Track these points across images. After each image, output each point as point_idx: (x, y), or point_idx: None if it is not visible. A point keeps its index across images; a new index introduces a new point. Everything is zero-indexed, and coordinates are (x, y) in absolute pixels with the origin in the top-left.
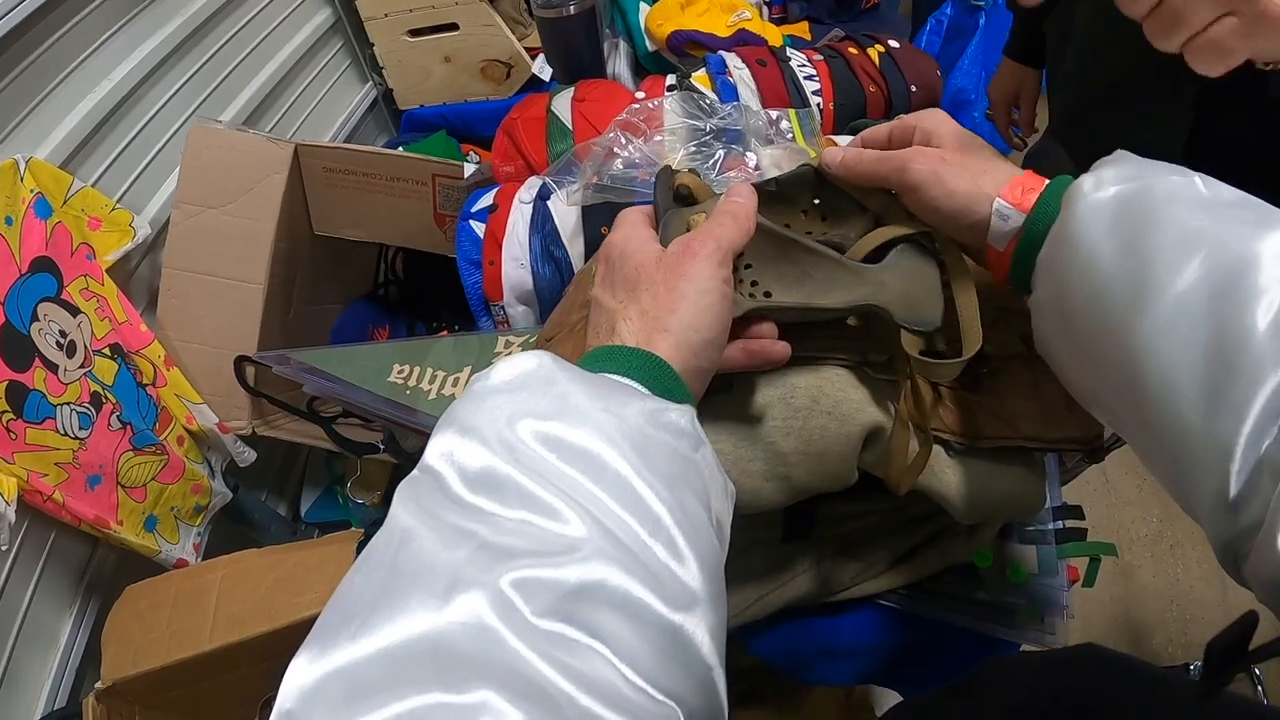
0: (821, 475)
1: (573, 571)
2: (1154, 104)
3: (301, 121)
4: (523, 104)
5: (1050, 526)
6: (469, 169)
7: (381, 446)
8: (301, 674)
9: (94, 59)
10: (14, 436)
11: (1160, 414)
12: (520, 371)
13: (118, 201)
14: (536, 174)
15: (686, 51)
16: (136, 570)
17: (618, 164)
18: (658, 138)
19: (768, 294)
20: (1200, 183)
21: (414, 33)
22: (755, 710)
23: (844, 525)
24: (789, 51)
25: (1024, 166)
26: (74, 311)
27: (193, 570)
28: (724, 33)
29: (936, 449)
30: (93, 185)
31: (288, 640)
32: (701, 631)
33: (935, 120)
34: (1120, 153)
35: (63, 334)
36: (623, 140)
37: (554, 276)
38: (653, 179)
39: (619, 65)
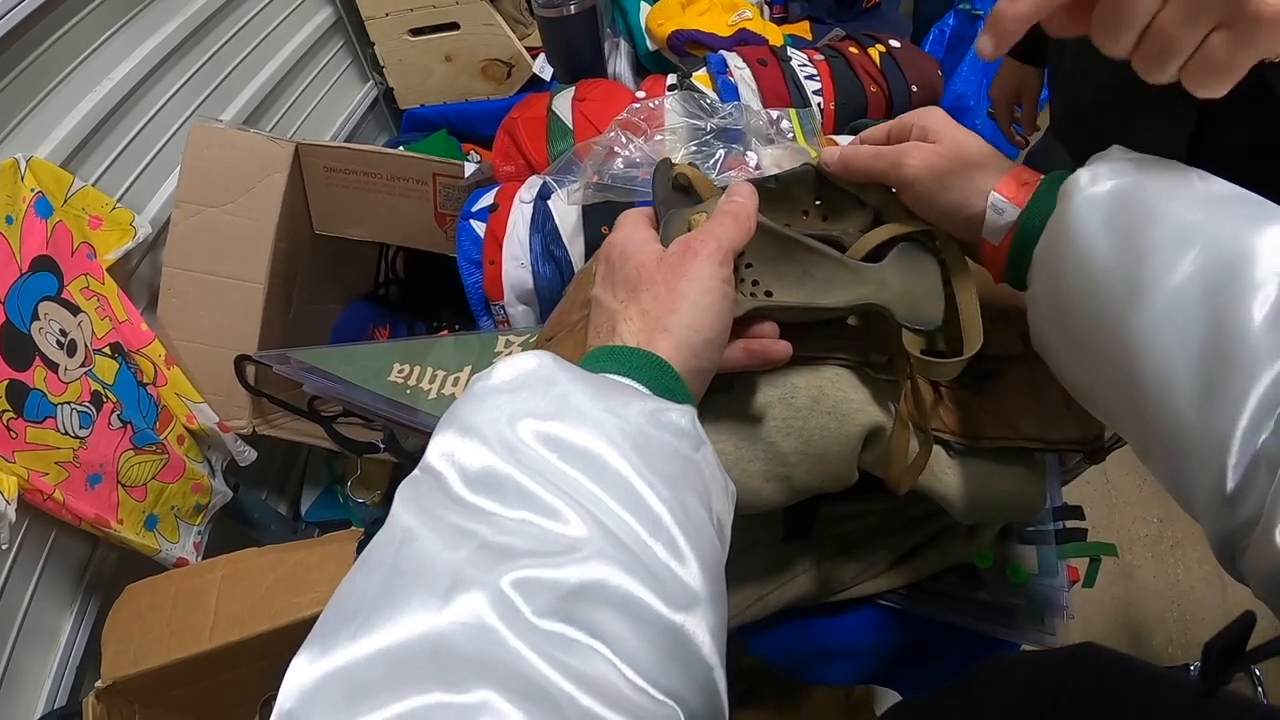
0: (822, 475)
1: (573, 571)
2: (1155, 104)
3: (302, 121)
4: (523, 103)
5: (1050, 527)
6: (469, 168)
7: (382, 446)
8: (302, 673)
9: (94, 58)
10: (14, 435)
11: (1156, 409)
12: (521, 371)
13: (118, 200)
14: (537, 173)
15: (687, 51)
16: (137, 569)
17: (618, 163)
18: (658, 137)
19: (769, 293)
20: (1196, 178)
21: (415, 32)
22: (755, 710)
23: (844, 525)
24: (790, 51)
25: (1025, 165)
26: (74, 310)
27: (193, 569)
28: (725, 32)
29: (937, 449)
30: (93, 184)
31: (288, 639)
32: (702, 631)
33: (932, 118)
34: (1116, 148)
35: (63, 333)
36: (623, 140)
37: (554, 276)
38: (651, 180)
39: (620, 65)
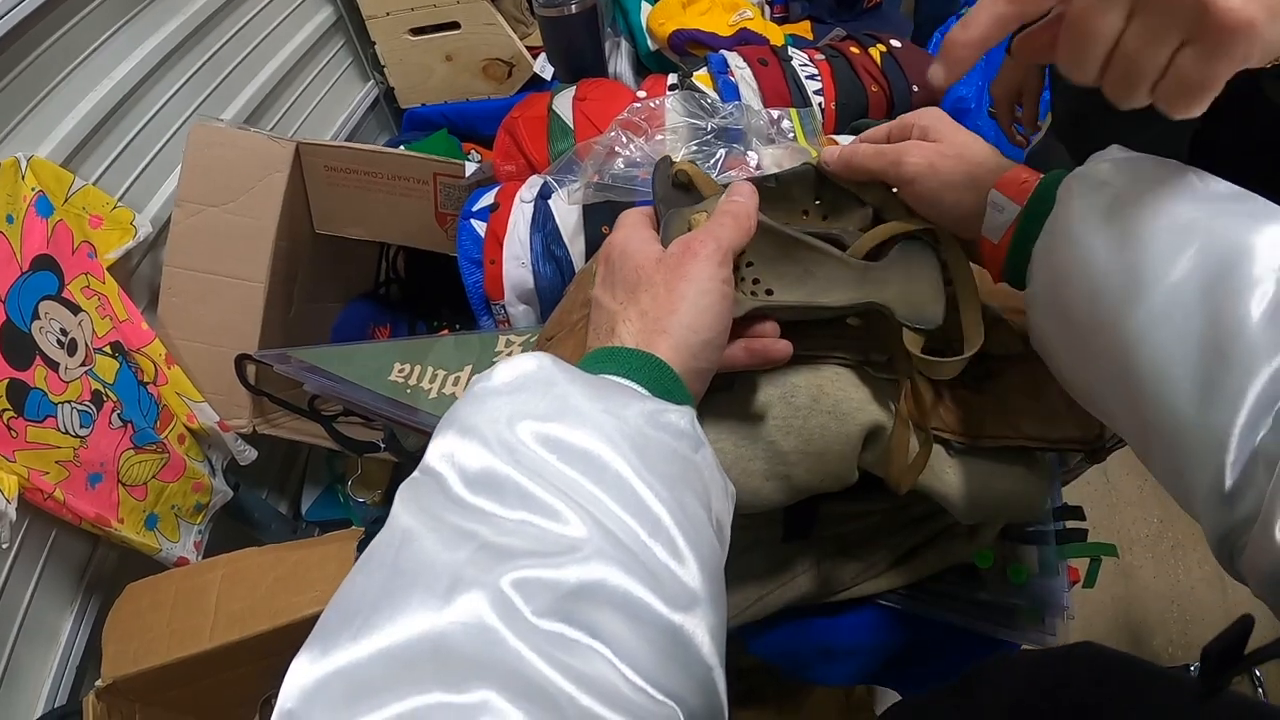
0: (822, 474)
1: (573, 572)
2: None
3: (303, 120)
4: (524, 103)
5: (1051, 527)
6: (470, 168)
7: (382, 445)
8: (303, 674)
9: (95, 57)
10: (15, 434)
11: (1155, 406)
12: (520, 373)
13: (119, 200)
14: (538, 173)
15: (688, 51)
16: (137, 568)
17: (619, 163)
18: (659, 137)
19: (769, 292)
20: (1195, 177)
21: (415, 31)
22: (755, 710)
23: (844, 525)
24: (791, 51)
25: (1025, 164)
26: (75, 310)
27: (193, 568)
28: (726, 32)
29: (937, 449)
30: (94, 183)
31: (288, 638)
32: (701, 631)
33: (932, 117)
34: (1115, 147)
35: (64, 332)
36: (624, 139)
37: (555, 275)
38: (650, 180)
39: (620, 64)
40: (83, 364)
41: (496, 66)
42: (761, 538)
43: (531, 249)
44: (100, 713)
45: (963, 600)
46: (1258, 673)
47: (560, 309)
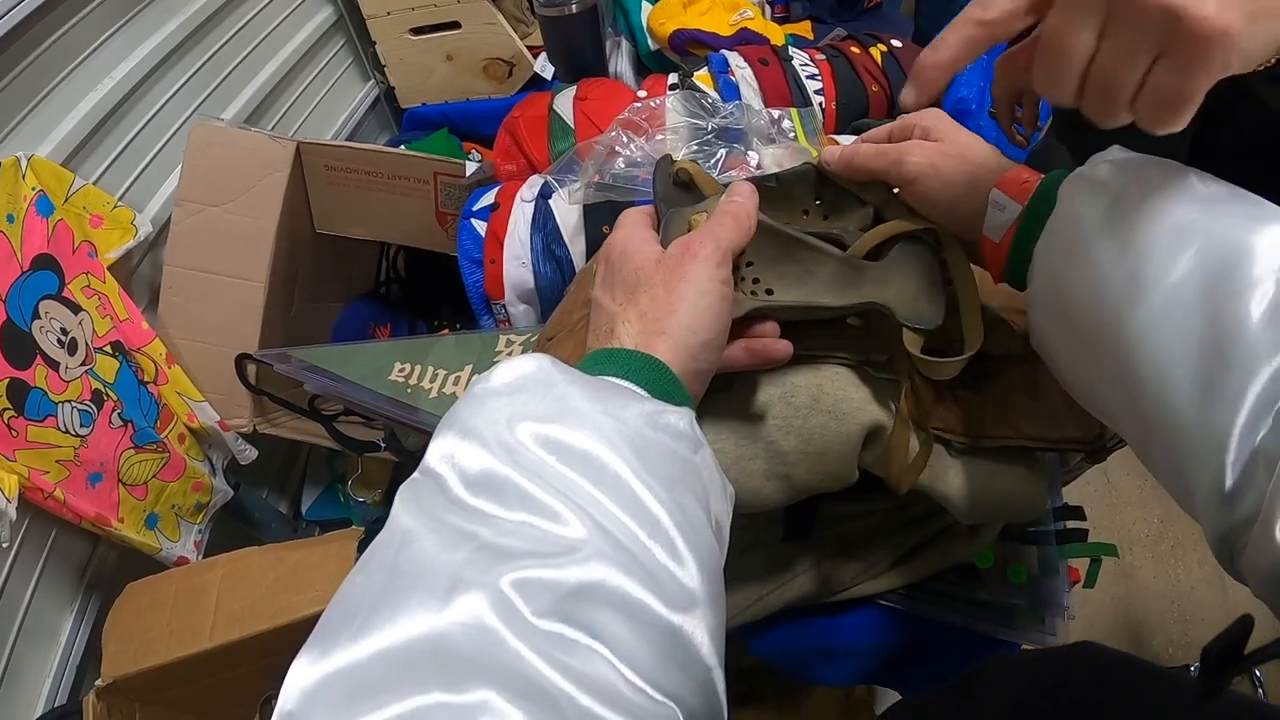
0: (822, 474)
1: (572, 572)
2: None
3: (303, 120)
4: (525, 102)
5: (1051, 527)
6: (471, 167)
7: (383, 445)
8: (303, 675)
9: (95, 57)
10: (15, 434)
11: (1155, 406)
12: (519, 374)
13: (119, 199)
14: (538, 172)
15: (689, 50)
16: (137, 568)
17: (619, 163)
18: (660, 136)
19: (769, 292)
20: (1195, 178)
21: (416, 31)
22: (755, 710)
23: (844, 525)
24: (791, 50)
25: (1026, 165)
26: (75, 309)
27: (193, 568)
28: (726, 31)
29: (937, 449)
30: (94, 183)
31: (288, 638)
32: (701, 632)
33: (934, 118)
34: (1116, 147)
35: (64, 331)
36: (625, 139)
37: (555, 275)
38: (651, 179)
39: (621, 64)
40: (83, 363)
41: (497, 66)
42: (761, 537)
43: (532, 248)
44: (100, 712)
45: (963, 600)
46: (1258, 673)
47: (561, 309)
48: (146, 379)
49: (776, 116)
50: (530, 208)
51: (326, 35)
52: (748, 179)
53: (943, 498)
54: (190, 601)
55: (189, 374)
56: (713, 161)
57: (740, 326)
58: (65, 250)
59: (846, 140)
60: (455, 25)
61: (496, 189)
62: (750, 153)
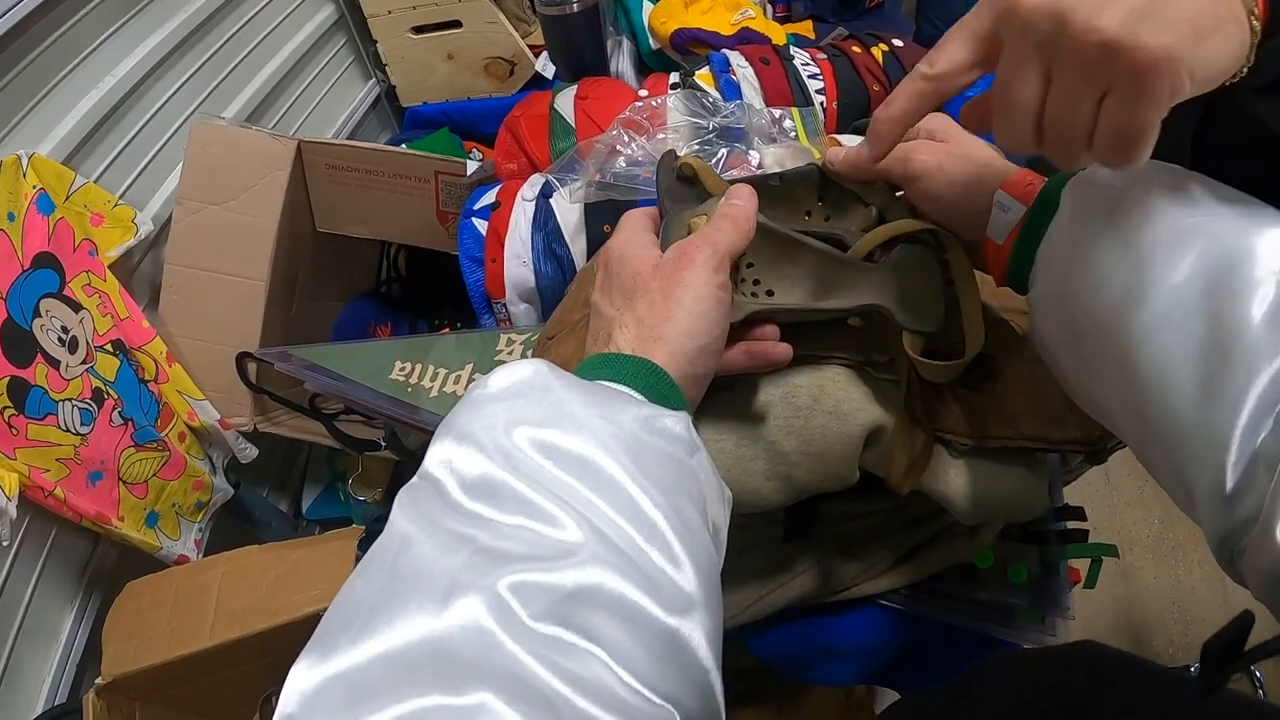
0: (822, 475)
1: (569, 576)
2: None
3: (304, 118)
4: (526, 101)
5: (1052, 527)
6: (471, 166)
7: (383, 443)
8: (302, 679)
9: (97, 55)
10: (15, 432)
11: (1156, 407)
12: (516, 379)
13: (120, 197)
14: (539, 171)
15: (690, 49)
16: (137, 566)
17: (620, 162)
18: (661, 135)
19: (770, 293)
20: (1196, 180)
21: (417, 30)
22: (755, 710)
23: (845, 525)
24: (793, 50)
25: (1029, 167)
26: (76, 307)
27: (194, 566)
28: (727, 31)
29: (938, 449)
30: (95, 181)
31: (288, 637)
32: (698, 635)
33: (939, 120)
34: None
35: (65, 330)
36: (626, 138)
37: (556, 274)
38: (654, 176)
39: (622, 63)
40: (84, 362)
41: (498, 65)
42: (761, 537)
43: (533, 247)
44: (100, 711)
45: (963, 600)
46: (1257, 672)
47: (562, 308)
48: (147, 377)
49: (778, 116)
50: (531, 207)
51: (328, 34)
52: (750, 179)
53: (943, 498)
54: (190, 600)
55: (190, 372)
56: (714, 161)
57: (741, 329)
58: (66, 248)
59: (848, 140)
60: (456, 24)
61: (497, 188)
62: (751, 152)
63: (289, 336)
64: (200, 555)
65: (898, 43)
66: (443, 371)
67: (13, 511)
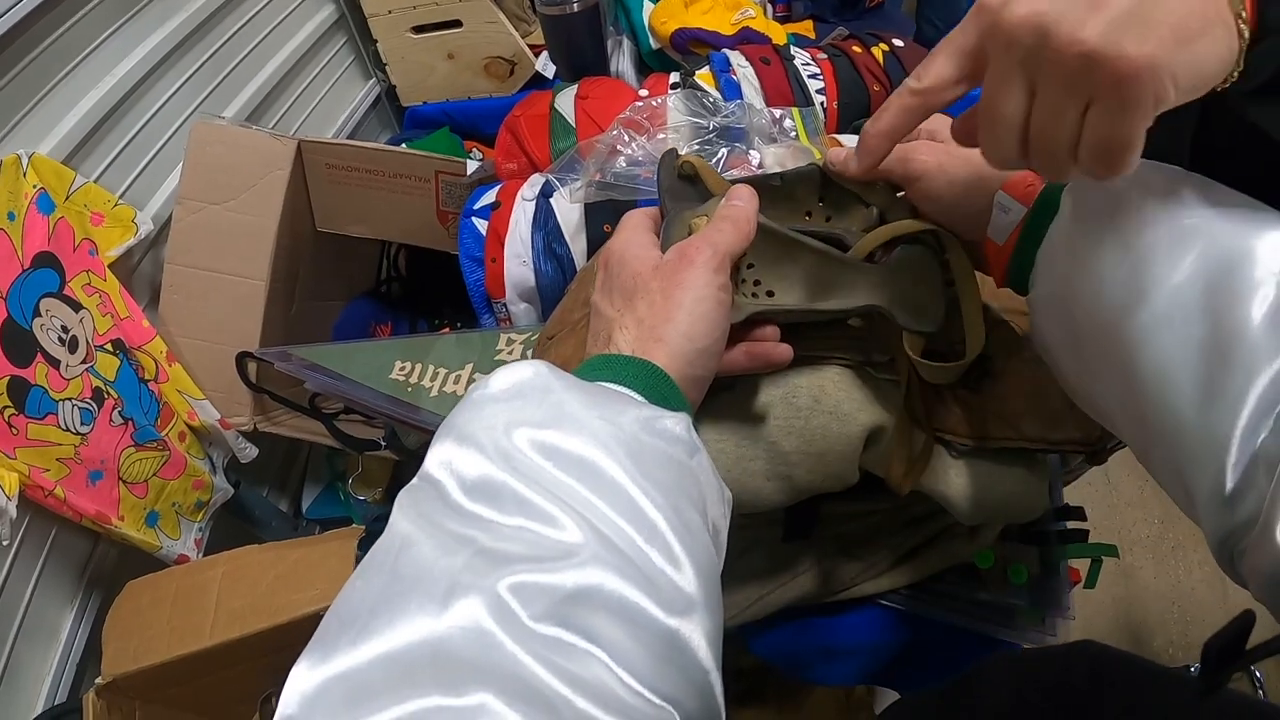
0: (823, 475)
1: (569, 576)
2: None
3: (304, 118)
4: (526, 101)
5: (1052, 527)
6: (472, 166)
7: (383, 443)
8: (303, 679)
9: (97, 55)
10: (15, 432)
11: (1156, 408)
12: (516, 380)
13: (120, 197)
14: (539, 171)
15: (690, 49)
16: (137, 566)
17: (621, 161)
18: (661, 135)
19: (770, 294)
20: (1196, 182)
21: (417, 29)
22: (755, 710)
23: (845, 525)
24: (793, 50)
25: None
26: (76, 307)
27: (194, 566)
28: (728, 30)
29: (938, 450)
30: (95, 181)
31: (289, 636)
32: (698, 636)
33: (940, 120)
34: None
35: (65, 329)
36: (626, 138)
37: (556, 274)
38: (655, 175)
39: (622, 63)
40: (84, 361)
41: (498, 64)
42: (762, 537)
43: (533, 247)
44: (100, 710)
45: (963, 600)
46: (1257, 672)
47: (562, 307)
48: (147, 377)
49: (778, 116)
50: (531, 206)
51: (328, 33)
52: (751, 179)
53: (943, 498)
54: (190, 599)
55: (190, 372)
56: (714, 160)
57: (741, 330)
58: (66, 248)
59: (848, 140)
60: (457, 24)
61: (498, 187)
62: (752, 152)
63: (289, 336)
64: (200, 555)
65: (898, 43)
66: (443, 371)
67: (13, 511)
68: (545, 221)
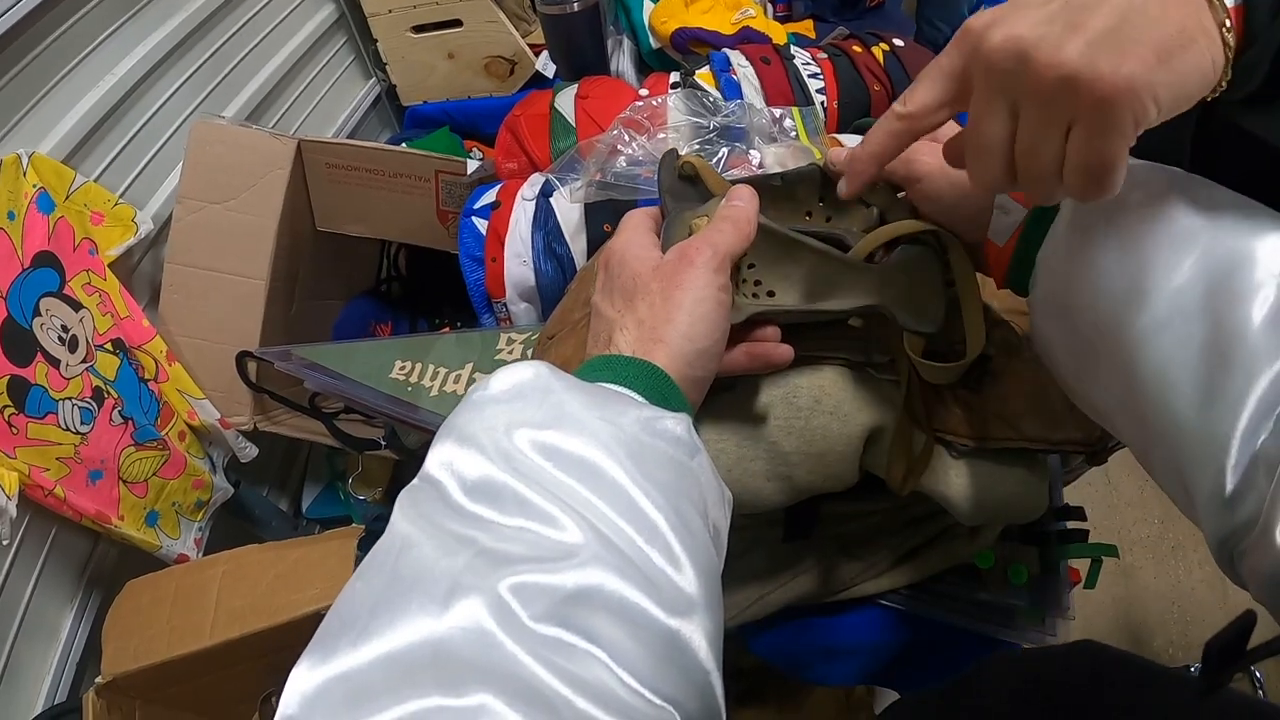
0: (823, 475)
1: (570, 577)
2: None
3: (305, 117)
4: (526, 100)
5: (1052, 528)
6: (472, 165)
7: (383, 442)
8: (303, 680)
9: (97, 54)
10: (15, 431)
11: (1156, 410)
12: (517, 381)
13: (120, 196)
14: (539, 171)
15: (690, 49)
16: (137, 565)
17: (621, 161)
18: (661, 135)
19: (771, 294)
20: (1196, 183)
21: (417, 29)
22: (755, 710)
23: (845, 525)
24: (793, 49)
25: None
26: (76, 306)
27: (194, 565)
28: (728, 30)
29: (939, 450)
30: (95, 180)
31: (288, 636)
32: (699, 636)
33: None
34: None
35: (65, 329)
36: (626, 137)
37: (556, 274)
38: (655, 175)
39: (623, 62)
40: (84, 361)
41: (498, 64)
42: (762, 537)
43: (533, 247)
44: (100, 710)
45: (963, 600)
46: (1257, 672)
47: (562, 307)
48: (147, 376)
49: (778, 115)
50: (531, 206)
51: (328, 33)
52: (751, 179)
53: (944, 499)
54: (190, 599)
55: (190, 371)
56: (714, 160)
57: (741, 330)
58: (66, 247)
59: (848, 140)
60: (457, 23)
61: (498, 187)
62: (752, 151)
63: (289, 335)
64: (200, 554)
65: (898, 42)
66: (443, 371)
67: (13, 510)
68: (545, 221)
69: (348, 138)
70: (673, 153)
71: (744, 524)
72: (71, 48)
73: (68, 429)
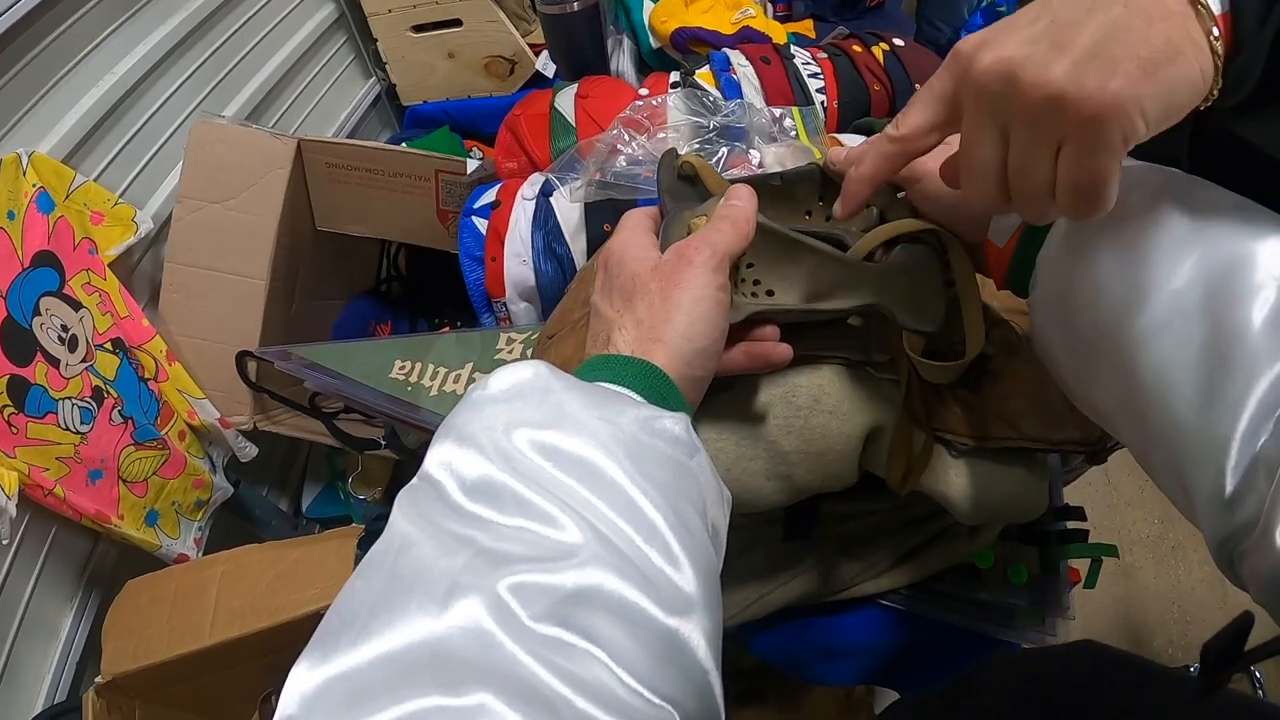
0: (822, 474)
1: (569, 577)
2: None
3: (305, 117)
4: (526, 100)
5: (1052, 527)
6: (472, 165)
7: (383, 442)
8: (303, 680)
9: (97, 54)
10: (15, 431)
11: (1157, 411)
12: (516, 381)
13: (120, 196)
14: (539, 170)
15: (690, 48)
16: (137, 565)
17: (621, 161)
18: (661, 135)
19: (770, 293)
20: (1196, 185)
21: (417, 28)
22: (755, 710)
23: (845, 525)
24: (793, 49)
25: None
26: (76, 306)
27: (193, 565)
28: (728, 30)
29: (939, 450)
30: (95, 180)
31: (288, 635)
32: (698, 636)
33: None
34: None
35: (64, 328)
36: (626, 137)
37: (556, 273)
38: (655, 174)
39: (623, 62)
40: (83, 360)
41: (498, 64)
42: (762, 537)
43: (533, 246)
44: (100, 709)
45: (963, 600)
46: (1257, 672)
47: (562, 307)
48: (147, 376)
49: (778, 115)
50: (531, 205)
51: (328, 32)
52: (751, 178)
53: (943, 498)
54: (190, 599)
55: (189, 371)
56: (714, 160)
57: (741, 330)
58: (66, 247)
59: (848, 139)
60: (457, 23)
61: (497, 186)
62: (752, 151)
63: (289, 335)
64: (200, 554)
65: (898, 42)
66: (443, 370)
67: (12, 510)
68: (545, 221)
69: (348, 137)
70: (672, 152)
71: (743, 523)
72: (71, 47)
73: (67, 428)
